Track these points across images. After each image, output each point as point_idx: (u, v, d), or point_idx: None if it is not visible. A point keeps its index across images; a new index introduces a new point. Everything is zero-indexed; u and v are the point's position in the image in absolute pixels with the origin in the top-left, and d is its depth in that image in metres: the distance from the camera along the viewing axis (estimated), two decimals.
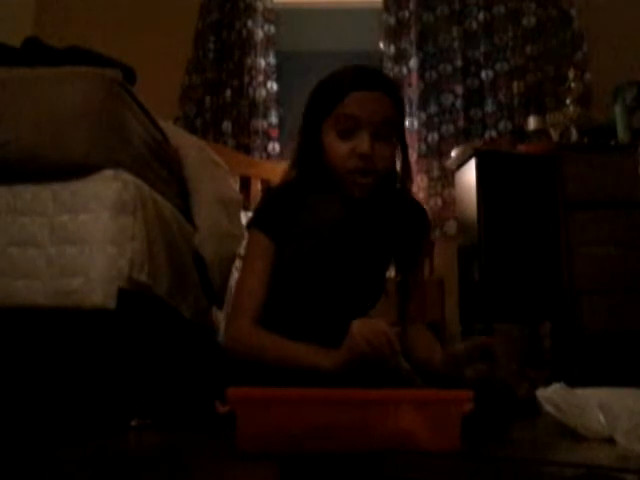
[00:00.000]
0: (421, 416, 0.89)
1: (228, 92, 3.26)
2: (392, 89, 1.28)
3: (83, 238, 1.42)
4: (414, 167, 3.20)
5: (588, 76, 3.10)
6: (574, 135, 2.81)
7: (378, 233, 1.31)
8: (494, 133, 3.16)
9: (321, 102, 1.27)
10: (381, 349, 1.01)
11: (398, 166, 1.34)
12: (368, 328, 1.04)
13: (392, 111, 1.25)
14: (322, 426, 0.86)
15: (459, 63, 3.25)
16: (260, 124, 3.24)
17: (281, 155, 3.21)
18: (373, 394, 0.91)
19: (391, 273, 1.40)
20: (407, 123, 3.24)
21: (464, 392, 0.92)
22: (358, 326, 1.05)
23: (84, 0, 3.39)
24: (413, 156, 3.22)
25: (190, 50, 3.32)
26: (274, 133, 3.26)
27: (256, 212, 1.33)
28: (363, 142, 1.21)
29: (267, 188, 1.41)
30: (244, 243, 2.08)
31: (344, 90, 1.24)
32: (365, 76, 1.26)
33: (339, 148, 1.23)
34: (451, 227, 3.09)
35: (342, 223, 1.25)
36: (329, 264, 1.23)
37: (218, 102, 3.26)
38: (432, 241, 3.03)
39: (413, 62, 3.28)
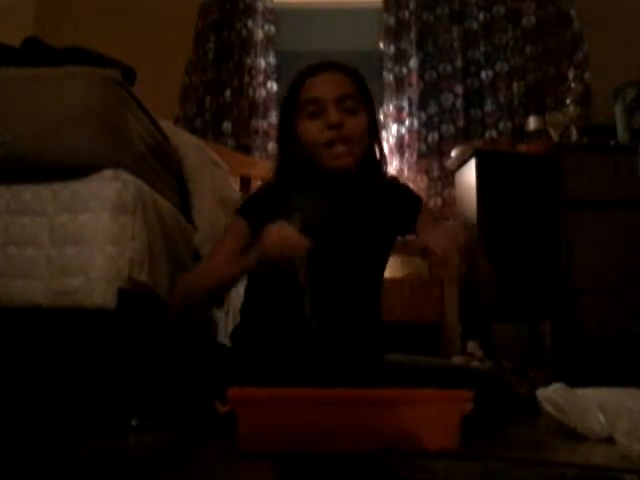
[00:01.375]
0: (421, 416, 0.89)
1: (228, 92, 3.26)
2: (346, 68, 1.37)
3: (83, 238, 1.42)
4: (414, 167, 3.21)
5: (588, 76, 3.10)
6: (574, 135, 2.81)
7: (367, 221, 1.35)
8: (494, 133, 3.16)
9: (287, 98, 1.38)
10: (286, 251, 1.10)
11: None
12: (276, 232, 1.13)
13: (351, 85, 1.34)
14: (322, 426, 0.86)
15: (459, 63, 3.25)
16: (260, 124, 3.24)
17: None
18: (373, 394, 0.91)
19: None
20: (407, 122, 3.24)
21: (464, 392, 0.92)
22: (268, 230, 1.14)
23: (84, 0, 3.39)
24: (413, 156, 3.22)
25: (190, 50, 3.32)
26: (274, 133, 3.25)
27: (240, 205, 1.42)
28: (330, 115, 1.29)
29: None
30: None
31: (301, 79, 1.35)
32: (318, 64, 1.37)
33: (311, 129, 1.31)
34: None
35: (327, 220, 1.28)
36: (316, 261, 1.23)
37: (218, 102, 3.26)
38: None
39: (413, 62, 3.28)
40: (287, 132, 1.37)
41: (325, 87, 1.32)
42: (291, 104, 1.36)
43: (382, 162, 1.41)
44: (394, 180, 1.51)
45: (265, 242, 1.12)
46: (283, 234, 1.11)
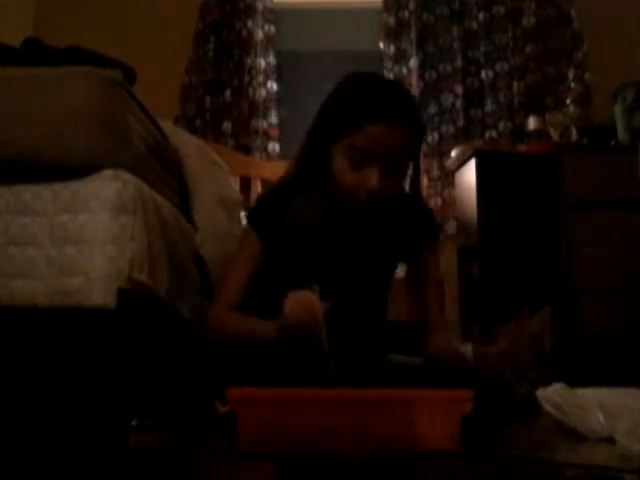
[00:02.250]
0: (421, 416, 0.89)
1: (228, 92, 3.26)
2: (413, 120, 1.20)
3: (83, 238, 1.42)
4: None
5: (588, 76, 3.10)
6: (574, 135, 2.81)
7: (376, 234, 1.29)
8: (494, 133, 3.16)
9: (335, 123, 1.21)
10: (308, 323, 1.04)
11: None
12: (298, 302, 1.07)
13: (408, 144, 1.19)
14: (322, 426, 0.86)
15: (459, 63, 3.25)
16: (260, 124, 3.24)
17: (281, 155, 3.21)
18: (373, 394, 0.91)
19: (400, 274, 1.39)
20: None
21: (464, 392, 0.92)
22: (289, 300, 1.08)
23: (84, 0, 3.39)
24: None
25: (190, 50, 3.32)
26: (274, 133, 3.26)
27: (250, 211, 1.37)
28: (372, 178, 1.17)
29: (268, 186, 1.43)
30: None
31: (361, 121, 1.17)
32: (386, 106, 1.17)
33: (347, 177, 1.20)
34: (451, 227, 3.09)
35: (327, 224, 1.23)
36: (314, 266, 1.22)
37: (218, 102, 3.26)
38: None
39: (413, 62, 3.27)
40: (319, 146, 1.25)
41: (381, 143, 1.16)
42: (337, 132, 1.21)
43: (416, 190, 1.32)
44: (417, 199, 1.36)
45: (287, 317, 1.07)
46: (303, 305, 1.06)
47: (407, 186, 1.30)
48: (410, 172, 1.29)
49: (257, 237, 1.28)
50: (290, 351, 1.11)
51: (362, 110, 1.17)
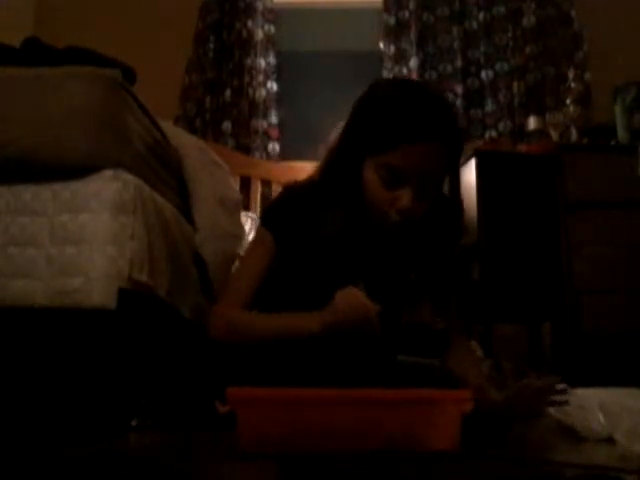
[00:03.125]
0: (421, 416, 0.89)
1: (228, 92, 3.26)
2: (452, 138, 1.14)
3: (83, 238, 1.42)
4: None
5: (588, 76, 3.10)
6: (574, 135, 2.81)
7: (401, 249, 1.25)
8: (494, 133, 3.16)
9: (369, 138, 1.15)
10: (360, 317, 1.04)
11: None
12: (350, 297, 1.06)
13: (444, 163, 1.14)
14: (322, 426, 0.86)
15: (459, 63, 3.25)
16: (260, 124, 3.24)
17: (281, 155, 3.21)
18: (373, 394, 0.91)
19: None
20: None
21: (464, 392, 0.92)
22: (341, 295, 1.07)
23: (84, 0, 3.39)
24: None
25: (190, 50, 3.32)
26: (274, 133, 3.25)
27: (268, 210, 1.33)
28: (404, 198, 1.12)
29: (287, 186, 1.36)
30: (244, 243, 2.08)
31: (398, 141, 1.10)
32: (424, 126, 1.10)
33: (379, 194, 1.15)
34: None
35: (348, 239, 1.20)
36: (333, 278, 1.19)
37: (218, 102, 3.26)
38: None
39: (413, 62, 3.27)
40: (350, 158, 1.19)
41: (416, 163, 1.10)
42: (372, 147, 1.15)
43: (458, 212, 1.29)
44: (452, 207, 1.30)
45: (338, 312, 1.06)
46: (355, 304, 1.05)
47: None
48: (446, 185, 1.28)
49: (273, 241, 1.24)
50: (337, 346, 1.10)
51: (399, 129, 1.10)
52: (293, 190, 1.32)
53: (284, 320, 1.15)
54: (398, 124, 1.10)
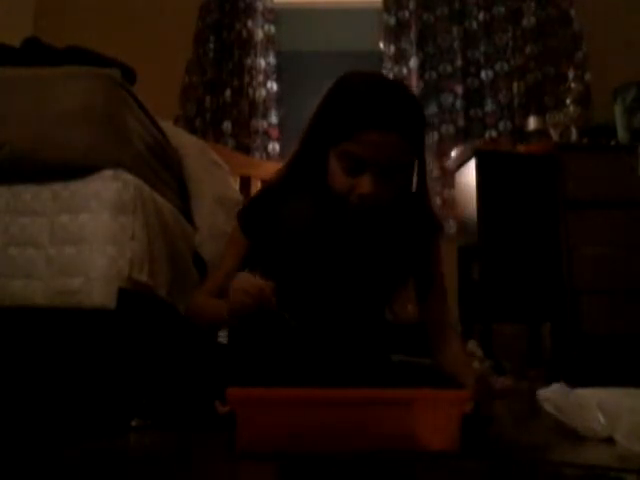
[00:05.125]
0: (421, 416, 0.89)
1: (228, 92, 3.26)
2: (408, 125, 1.16)
3: (83, 238, 1.42)
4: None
5: (588, 76, 3.10)
6: (574, 135, 2.81)
7: (369, 234, 1.28)
8: (494, 133, 3.16)
9: (328, 129, 1.19)
10: (256, 299, 1.07)
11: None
12: (244, 282, 1.09)
13: (404, 151, 1.17)
14: (322, 426, 0.86)
15: (459, 63, 3.25)
16: (260, 124, 3.24)
17: (281, 155, 3.21)
18: (373, 394, 0.91)
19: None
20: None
21: (464, 392, 0.92)
22: (236, 281, 1.11)
23: (84, 0, 3.39)
24: None
25: (190, 50, 3.32)
26: (274, 133, 3.25)
27: (241, 209, 1.38)
28: (365, 184, 1.15)
29: (264, 185, 1.45)
30: None
31: (353, 129, 1.14)
32: (378, 113, 1.13)
33: (341, 182, 1.18)
34: (451, 227, 3.09)
35: (319, 224, 1.24)
36: (305, 265, 1.23)
37: (218, 102, 3.26)
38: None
39: (413, 62, 3.27)
40: (313, 149, 1.23)
41: (374, 151, 1.13)
42: (332, 138, 1.18)
43: (424, 198, 1.30)
44: (420, 198, 1.31)
45: (231, 299, 1.10)
46: (246, 286, 1.08)
47: (414, 186, 1.26)
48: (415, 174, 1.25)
49: (242, 235, 1.32)
50: (243, 326, 1.18)
51: (354, 118, 1.14)
52: (266, 185, 1.40)
53: (216, 308, 1.23)
54: (354, 112, 1.14)
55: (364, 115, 1.13)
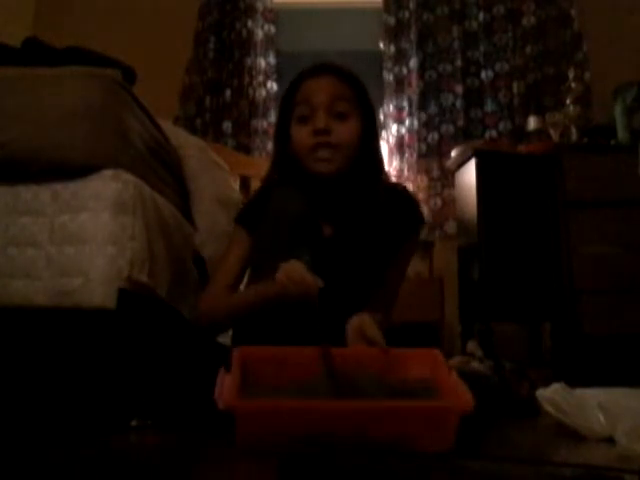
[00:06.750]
0: (421, 416, 0.89)
1: (228, 92, 3.26)
2: (342, 71, 1.36)
3: (83, 238, 1.42)
4: (414, 167, 3.21)
5: (588, 76, 3.10)
6: (574, 135, 2.81)
7: (356, 223, 1.35)
8: (494, 133, 3.17)
9: (284, 98, 1.39)
10: (300, 290, 1.11)
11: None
12: (291, 271, 1.13)
13: (346, 90, 1.33)
14: (322, 433, 0.86)
15: (459, 63, 3.25)
16: (260, 124, 3.24)
17: None
18: (373, 405, 0.90)
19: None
20: (407, 122, 3.24)
21: (465, 400, 0.91)
22: (283, 268, 1.14)
23: (84, 0, 3.39)
24: (413, 156, 3.22)
25: (190, 50, 3.32)
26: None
27: (238, 212, 1.45)
28: (317, 120, 1.30)
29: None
30: None
31: (298, 80, 1.36)
32: (315, 66, 1.37)
33: (299, 132, 1.32)
34: (451, 227, 3.09)
35: (302, 213, 1.29)
36: (288, 255, 1.23)
37: (218, 102, 3.26)
38: (431, 241, 3.03)
39: (413, 62, 3.28)
40: (282, 132, 1.38)
41: (317, 91, 1.32)
42: (288, 105, 1.37)
43: (378, 167, 1.39)
44: (400, 189, 1.45)
45: (278, 285, 1.14)
46: (296, 277, 1.12)
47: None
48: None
49: (242, 230, 1.37)
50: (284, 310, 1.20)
51: (299, 74, 1.37)
52: (261, 184, 1.50)
53: (248, 295, 1.30)
54: (294, 80, 1.37)
55: (305, 70, 1.37)
